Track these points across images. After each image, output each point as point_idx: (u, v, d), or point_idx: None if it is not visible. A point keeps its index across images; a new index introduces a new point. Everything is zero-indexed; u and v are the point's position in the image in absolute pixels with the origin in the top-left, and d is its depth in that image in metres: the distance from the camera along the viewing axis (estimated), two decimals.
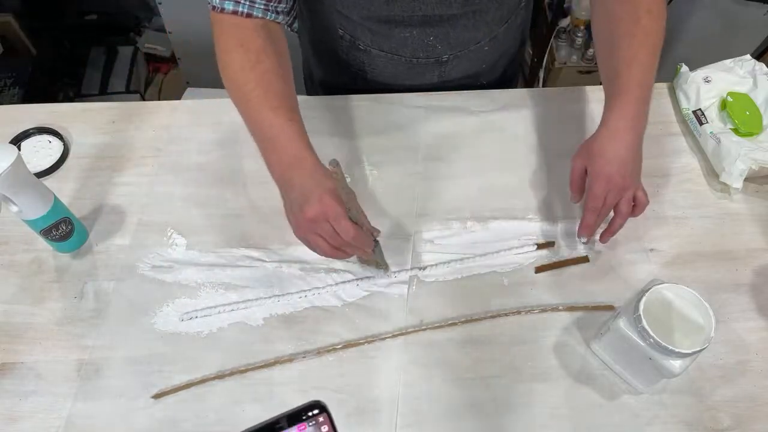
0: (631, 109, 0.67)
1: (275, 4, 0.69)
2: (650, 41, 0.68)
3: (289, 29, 0.74)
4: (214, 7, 0.68)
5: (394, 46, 0.82)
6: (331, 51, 0.87)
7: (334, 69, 0.91)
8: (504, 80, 0.98)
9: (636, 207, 0.70)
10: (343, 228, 0.60)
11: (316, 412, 0.37)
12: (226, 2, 0.67)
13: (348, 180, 0.81)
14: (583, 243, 0.75)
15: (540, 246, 0.76)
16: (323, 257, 0.65)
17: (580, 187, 0.71)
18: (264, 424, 0.37)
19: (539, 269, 0.74)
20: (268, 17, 0.69)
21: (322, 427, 0.37)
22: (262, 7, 0.68)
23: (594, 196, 0.68)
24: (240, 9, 0.67)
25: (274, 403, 0.65)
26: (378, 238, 0.68)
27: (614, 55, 0.69)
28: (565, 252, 0.76)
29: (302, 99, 0.91)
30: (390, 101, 0.89)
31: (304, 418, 0.37)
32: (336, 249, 0.63)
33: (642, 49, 0.68)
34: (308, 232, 0.62)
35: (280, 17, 0.70)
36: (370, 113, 0.88)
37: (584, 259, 0.75)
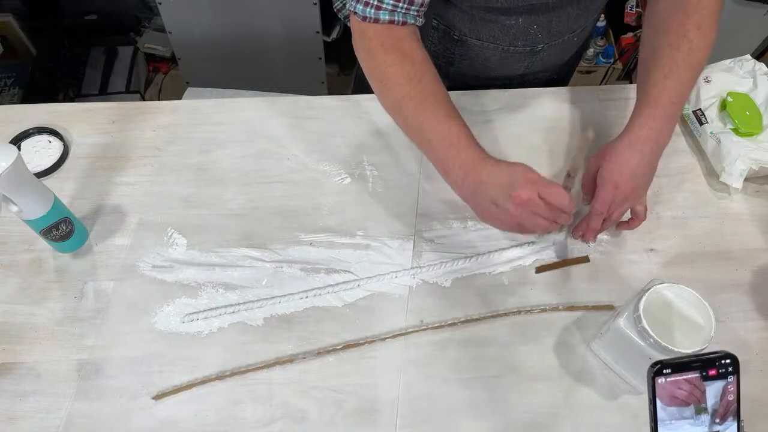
0: (658, 123, 0.67)
1: (422, 9, 0.68)
2: (693, 58, 0.68)
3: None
4: (365, 18, 0.67)
5: (494, 34, 0.82)
6: None
7: None
8: (567, 76, 1.01)
9: (633, 220, 0.72)
10: (560, 199, 0.60)
11: (728, 361, 0.41)
12: (382, 12, 0.66)
13: (348, 180, 0.81)
14: (589, 245, 0.75)
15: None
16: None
17: (592, 187, 0.72)
18: (683, 359, 0.41)
19: (539, 269, 0.74)
20: (417, 23, 0.69)
21: (729, 377, 0.41)
22: (414, 13, 0.68)
23: (602, 201, 0.68)
24: (396, 18, 0.66)
25: (274, 403, 0.65)
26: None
27: (655, 64, 0.69)
28: (565, 252, 0.76)
29: (302, 99, 0.91)
30: None
31: (716, 364, 0.41)
32: (552, 222, 0.63)
33: (683, 64, 0.68)
34: (523, 215, 0.62)
35: (421, 20, 0.70)
36: (371, 113, 0.88)
37: (584, 259, 0.75)
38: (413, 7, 0.67)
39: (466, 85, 0.91)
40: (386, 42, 0.67)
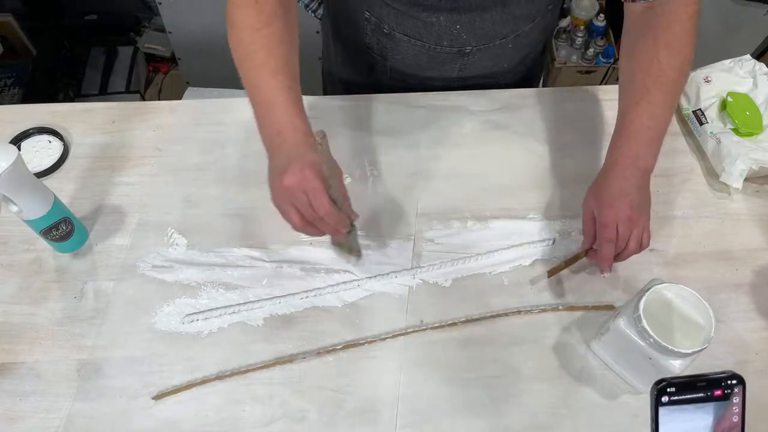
0: (632, 149, 0.66)
1: None
2: (665, 78, 0.67)
3: (313, 15, 0.71)
4: None
5: (419, 30, 0.81)
6: (354, 35, 0.87)
7: (354, 56, 0.91)
8: (523, 85, 0.98)
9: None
10: (319, 203, 0.59)
11: (734, 382, 0.41)
12: None
13: (348, 180, 0.81)
14: (604, 276, 0.72)
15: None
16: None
17: (592, 229, 0.69)
18: (688, 379, 0.41)
19: (551, 273, 0.72)
20: None
21: (734, 398, 0.40)
22: None
23: (604, 225, 0.66)
24: None
25: (274, 404, 0.65)
26: (355, 223, 0.67)
27: (627, 90, 0.69)
28: (565, 251, 0.76)
29: (303, 99, 0.91)
30: (391, 101, 0.89)
31: (722, 385, 0.40)
32: (308, 223, 0.62)
33: (654, 87, 0.66)
34: (284, 200, 0.61)
35: None
36: (371, 113, 0.88)
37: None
38: None
39: (405, 83, 0.91)
40: None
